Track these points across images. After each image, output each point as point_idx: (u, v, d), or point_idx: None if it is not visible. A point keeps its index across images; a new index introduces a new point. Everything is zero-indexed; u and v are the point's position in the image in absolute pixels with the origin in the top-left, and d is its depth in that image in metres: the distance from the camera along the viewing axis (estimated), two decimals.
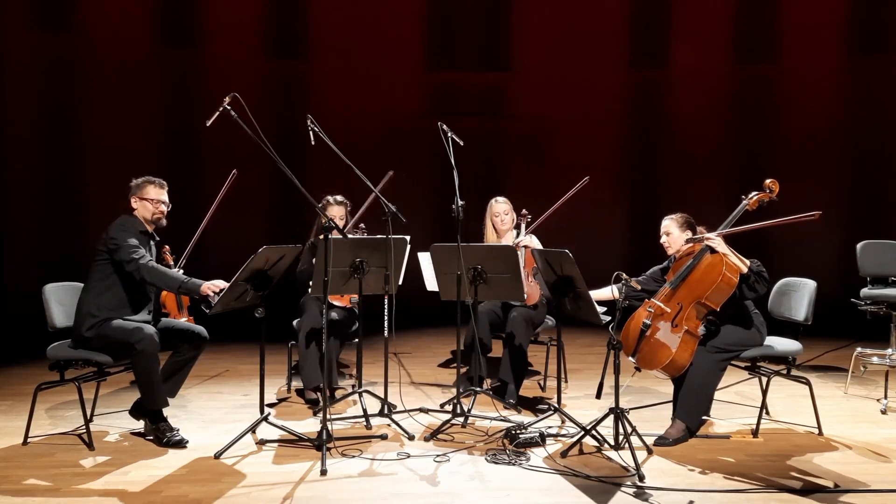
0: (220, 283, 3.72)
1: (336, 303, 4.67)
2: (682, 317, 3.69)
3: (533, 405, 4.49)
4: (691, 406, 3.71)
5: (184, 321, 4.15)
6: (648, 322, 3.73)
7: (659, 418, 4.14)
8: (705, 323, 3.75)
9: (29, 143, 7.18)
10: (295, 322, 4.67)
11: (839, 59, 8.06)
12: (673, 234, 3.95)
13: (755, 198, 3.80)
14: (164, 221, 3.93)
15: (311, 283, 4.37)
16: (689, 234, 3.91)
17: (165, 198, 3.90)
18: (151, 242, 3.94)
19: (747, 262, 3.66)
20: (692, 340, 3.68)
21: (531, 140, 8.77)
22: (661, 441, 3.68)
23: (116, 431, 3.93)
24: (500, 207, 4.80)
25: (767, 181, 3.78)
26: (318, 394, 4.38)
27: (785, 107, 8.24)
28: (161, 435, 3.70)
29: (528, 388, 5.00)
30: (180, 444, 3.67)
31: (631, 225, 8.79)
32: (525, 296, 4.30)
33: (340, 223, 4.54)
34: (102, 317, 3.69)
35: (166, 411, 3.78)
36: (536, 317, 4.60)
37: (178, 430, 3.76)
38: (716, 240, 3.70)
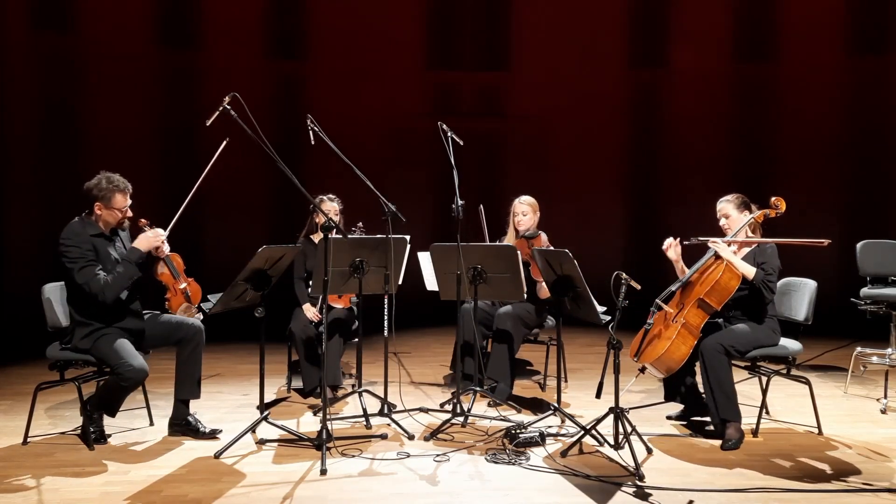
0: (160, 234, 3.81)
1: (336, 305, 4.69)
2: (682, 314, 3.73)
3: (532, 405, 4.49)
4: (725, 403, 3.71)
5: (182, 286, 4.06)
6: (651, 321, 3.76)
7: (659, 418, 4.15)
8: (715, 318, 3.80)
9: (29, 143, 7.17)
10: (290, 326, 4.68)
11: (839, 58, 8.05)
12: (732, 216, 3.93)
13: (760, 212, 3.89)
14: (126, 223, 3.84)
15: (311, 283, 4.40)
16: (747, 215, 3.91)
17: (129, 202, 3.76)
18: (116, 237, 3.82)
19: (753, 270, 3.72)
20: (689, 337, 3.70)
21: (531, 140, 8.76)
22: (729, 445, 3.66)
23: (116, 431, 3.92)
24: (520, 208, 4.70)
25: (773, 199, 3.86)
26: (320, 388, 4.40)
27: (784, 106, 8.23)
28: (94, 427, 3.71)
29: (528, 388, 5.00)
30: (101, 440, 3.72)
31: (631, 224, 8.79)
32: (525, 294, 4.31)
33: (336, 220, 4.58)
34: (95, 326, 3.65)
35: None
36: (528, 316, 4.59)
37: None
38: (721, 245, 3.78)
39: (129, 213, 3.79)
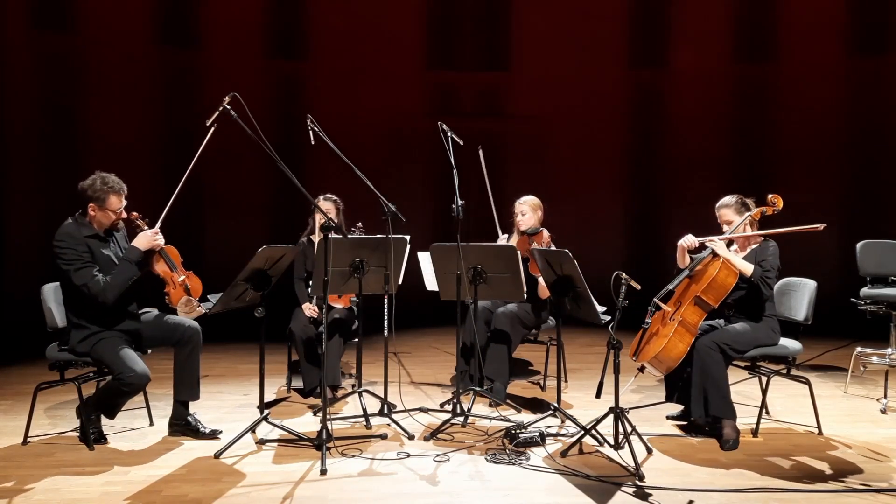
0: (158, 232, 3.74)
1: (335, 304, 4.69)
2: (679, 311, 3.75)
3: (532, 405, 4.49)
4: (720, 401, 3.70)
5: (181, 279, 3.95)
6: (649, 320, 3.76)
7: (659, 418, 4.15)
8: (714, 318, 3.82)
9: (29, 143, 7.17)
10: (290, 326, 4.68)
11: (839, 59, 8.05)
12: (735, 221, 3.94)
13: (758, 210, 3.90)
14: (121, 224, 3.82)
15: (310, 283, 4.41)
16: (748, 216, 3.93)
17: (124, 204, 3.73)
18: (111, 238, 3.77)
19: (751, 267, 3.74)
20: (687, 334, 3.72)
21: (531, 140, 8.76)
22: (729, 446, 3.65)
23: (116, 431, 3.92)
24: (519, 208, 4.72)
25: (770, 196, 3.88)
26: (319, 388, 4.39)
27: (784, 107, 8.23)
28: (90, 427, 3.70)
29: (528, 388, 5.00)
30: (100, 440, 3.72)
31: (630, 224, 8.79)
32: (525, 294, 4.32)
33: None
34: (92, 329, 3.63)
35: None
36: (526, 316, 4.59)
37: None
38: (718, 243, 3.80)
39: (124, 215, 3.76)
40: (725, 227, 3.97)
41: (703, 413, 3.72)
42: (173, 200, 4.00)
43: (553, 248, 4.57)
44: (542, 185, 8.31)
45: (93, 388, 4.11)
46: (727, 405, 3.71)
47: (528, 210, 4.70)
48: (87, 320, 3.63)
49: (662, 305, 3.84)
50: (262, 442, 3.74)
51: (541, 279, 4.35)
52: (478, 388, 4.27)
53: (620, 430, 3.54)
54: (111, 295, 3.57)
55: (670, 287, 3.89)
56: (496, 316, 4.55)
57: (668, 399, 4.12)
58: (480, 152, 4.84)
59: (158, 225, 3.89)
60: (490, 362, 4.49)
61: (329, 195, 4.83)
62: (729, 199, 3.98)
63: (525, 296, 4.35)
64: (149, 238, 3.74)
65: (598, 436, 3.67)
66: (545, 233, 4.62)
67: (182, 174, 4.08)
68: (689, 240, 3.94)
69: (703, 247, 3.92)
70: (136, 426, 4.02)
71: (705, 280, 3.72)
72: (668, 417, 4.15)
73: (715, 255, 3.78)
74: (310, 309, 4.67)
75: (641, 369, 3.85)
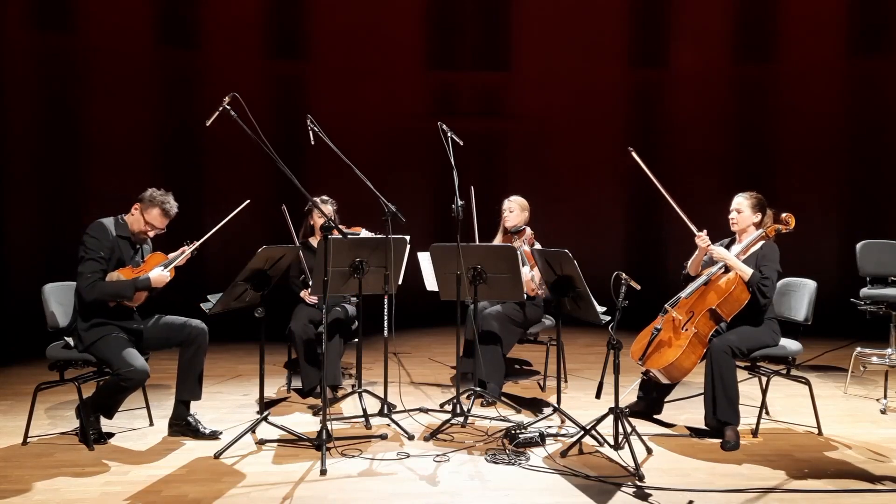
0: (165, 277, 3.74)
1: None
2: (693, 322, 3.75)
3: (531, 405, 4.49)
4: (726, 405, 3.70)
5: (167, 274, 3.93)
6: (660, 327, 3.76)
7: (659, 418, 4.15)
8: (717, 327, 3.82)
9: (29, 142, 7.17)
10: (290, 326, 4.67)
11: (839, 59, 8.05)
12: (744, 212, 3.95)
13: (772, 227, 3.89)
14: (148, 241, 3.91)
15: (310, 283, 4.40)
16: (759, 216, 3.94)
17: (163, 226, 3.83)
18: (138, 246, 3.88)
19: (749, 272, 3.76)
20: (699, 346, 3.73)
21: (531, 140, 8.76)
22: (729, 446, 3.65)
23: (116, 431, 3.92)
24: (507, 204, 4.80)
25: (784, 215, 3.88)
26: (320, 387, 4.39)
27: (784, 107, 8.23)
28: (90, 428, 3.70)
29: (528, 388, 5.00)
30: (100, 440, 3.73)
31: (630, 224, 8.79)
32: (525, 294, 4.32)
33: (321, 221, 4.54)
34: (97, 321, 3.66)
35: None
36: (516, 314, 4.59)
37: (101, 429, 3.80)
38: (726, 255, 3.82)
39: (152, 234, 3.84)
40: (734, 214, 3.97)
41: (712, 415, 3.73)
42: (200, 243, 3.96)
43: (537, 246, 4.59)
44: (543, 184, 8.34)
45: (93, 388, 4.11)
46: (734, 411, 3.71)
47: (516, 208, 4.77)
48: (94, 312, 3.67)
49: (671, 311, 3.84)
50: (262, 442, 3.74)
51: (524, 274, 4.37)
52: (476, 389, 4.27)
53: (620, 430, 3.54)
54: (91, 295, 3.62)
55: (682, 295, 3.89)
56: (483, 317, 4.55)
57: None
58: (472, 191, 4.79)
59: (178, 262, 3.87)
60: (483, 363, 4.49)
61: (324, 197, 4.83)
62: (749, 193, 3.99)
63: (525, 296, 4.36)
64: (164, 278, 3.77)
65: (598, 436, 3.67)
66: (528, 231, 4.66)
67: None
68: (706, 238, 3.94)
69: (712, 261, 3.93)
70: (136, 426, 4.02)
71: (721, 294, 3.74)
72: (627, 407, 4.09)
73: (727, 269, 3.80)
74: (308, 296, 4.68)
75: (646, 373, 3.85)
